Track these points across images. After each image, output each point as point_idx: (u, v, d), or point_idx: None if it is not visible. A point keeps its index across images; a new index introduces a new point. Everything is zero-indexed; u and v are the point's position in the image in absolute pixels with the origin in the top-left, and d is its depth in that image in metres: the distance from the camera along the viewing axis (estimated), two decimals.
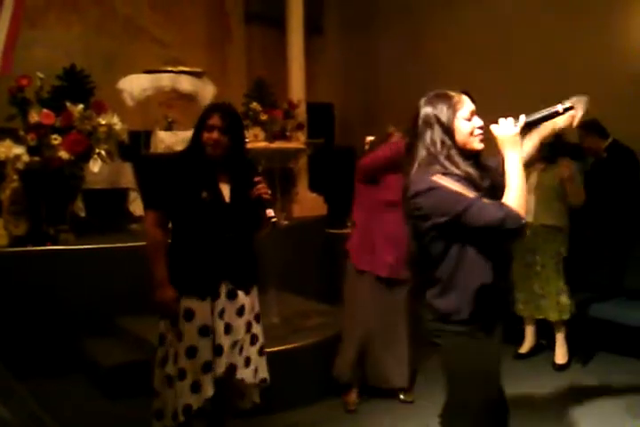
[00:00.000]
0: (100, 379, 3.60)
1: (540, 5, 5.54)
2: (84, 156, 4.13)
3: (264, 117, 5.31)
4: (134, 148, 4.83)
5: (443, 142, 1.91)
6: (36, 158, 3.97)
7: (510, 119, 1.91)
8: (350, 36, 7.57)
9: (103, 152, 4.17)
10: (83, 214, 4.30)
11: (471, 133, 1.93)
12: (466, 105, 1.95)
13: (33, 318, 3.78)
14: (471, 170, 1.90)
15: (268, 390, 2.71)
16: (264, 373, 2.63)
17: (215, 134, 2.40)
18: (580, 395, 3.49)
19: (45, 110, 4.07)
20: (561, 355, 3.91)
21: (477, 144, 1.95)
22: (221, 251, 2.44)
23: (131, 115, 4.78)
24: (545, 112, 1.97)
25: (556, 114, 1.96)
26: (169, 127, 4.94)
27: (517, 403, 3.36)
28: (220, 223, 2.43)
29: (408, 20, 6.87)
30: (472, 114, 1.95)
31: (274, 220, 2.42)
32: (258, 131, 5.29)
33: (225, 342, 2.44)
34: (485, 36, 5.97)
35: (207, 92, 5.16)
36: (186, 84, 5.01)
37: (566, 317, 3.85)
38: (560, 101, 1.98)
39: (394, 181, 3.29)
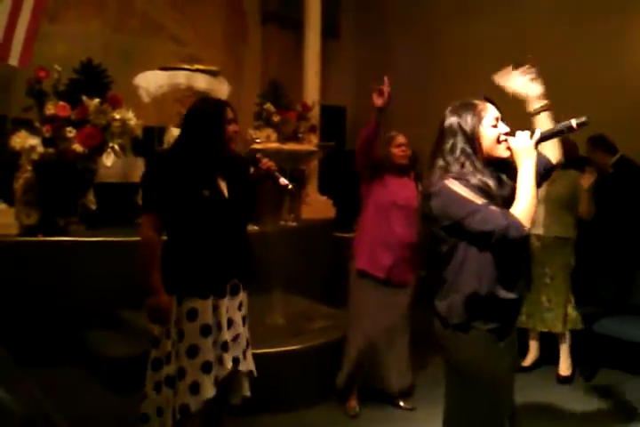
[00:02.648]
0: (101, 371, 3.61)
1: (556, 11, 5.54)
2: (98, 149, 4.16)
3: (277, 119, 5.32)
4: (148, 143, 4.85)
5: (463, 150, 1.94)
6: (51, 150, 4.00)
7: (527, 132, 1.94)
8: (366, 40, 7.60)
9: (117, 146, 4.21)
10: (94, 207, 4.32)
11: (497, 140, 1.96)
12: (490, 112, 1.98)
13: (38, 307, 3.80)
14: (488, 179, 1.92)
15: (269, 388, 2.71)
16: (252, 365, 2.63)
17: (237, 127, 2.42)
18: (583, 409, 3.47)
19: (61, 103, 4.10)
20: (565, 367, 3.90)
21: (503, 152, 1.97)
22: (226, 248, 2.44)
23: (146, 111, 4.80)
24: (560, 127, 1.99)
25: (571, 129, 1.97)
26: (181, 124, 4.94)
27: (519, 415, 3.38)
28: (222, 221, 2.42)
29: (423, 26, 6.89)
30: (497, 120, 1.98)
31: (290, 187, 2.45)
32: (270, 132, 5.29)
33: (228, 336, 2.45)
34: (500, 41, 5.97)
35: (222, 90, 5.16)
36: (201, 82, 5.02)
37: (572, 327, 3.84)
38: (575, 117, 1.99)
39: (397, 183, 3.32)
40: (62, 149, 4.02)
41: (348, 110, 7.41)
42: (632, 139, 4.40)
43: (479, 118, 1.95)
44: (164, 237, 2.45)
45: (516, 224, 1.82)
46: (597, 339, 3.95)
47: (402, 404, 3.44)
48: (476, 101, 2.00)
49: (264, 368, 2.67)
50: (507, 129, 1.98)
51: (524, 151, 1.91)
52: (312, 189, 5.82)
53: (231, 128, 2.40)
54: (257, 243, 2.70)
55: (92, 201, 4.31)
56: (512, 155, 1.96)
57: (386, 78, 2.94)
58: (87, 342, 3.85)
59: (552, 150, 2.13)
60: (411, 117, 6.92)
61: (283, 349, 3.37)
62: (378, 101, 2.95)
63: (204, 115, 2.40)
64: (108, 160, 4.14)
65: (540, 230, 3.85)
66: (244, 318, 2.58)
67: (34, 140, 3.95)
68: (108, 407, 3.28)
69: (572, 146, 3.93)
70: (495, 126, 1.96)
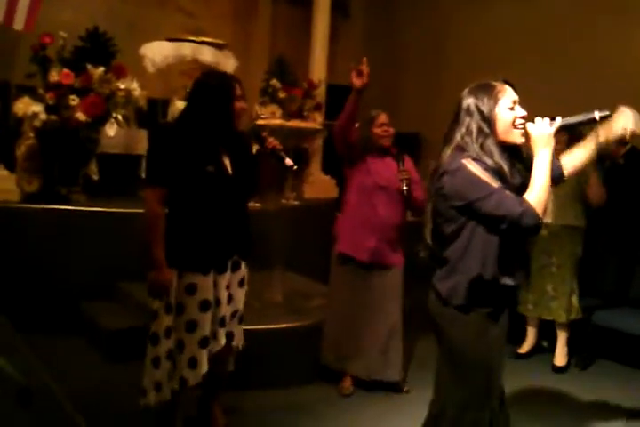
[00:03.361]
0: (99, 342, 3.62)
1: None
2: (101, 119, 4.11)
3: (283, 95, 5.26)
4: (151, 115, 4.81)
5: (480, 130, 1.91)
6: (54, 117, 3.95)
7: (546, 119, 1.90)
8: (376, 21, 7.50)
9: (120, 117, 4.16)
10: (96, 177, 4.29)
11: (513, 123, 1.92)
12: (507, 94, 1.94)
13: (37, 276, 3.80)
14: (504, 163, 1.89)
15: (264, 365, 2.72)
16: (241, 340, 2.66)
17: (244, 103, 2.39)
18: (575, 398, 3.48)
19: (66, 70, 4.04)
20: (561, 357, 3.90)
21: (518, 138, 1.94)
22: (229, 224, 2.43)
23: (150, 82, 4.75)
24: (581, 117, 1.94)
25: (593, 121, 1.94)
26: (187, 97, 4.89)
27: (511, 401, 3.39)
28: (225, 196, 2.41)
29: (434, 8, 6.81)
30: (514, 103, 1.94)
31: (295, 168, 2.45)
32: (275, 108, 5.24)
33: (227, 312, 2.45)
34: (516, 22, 5.90)
35: (228, 64, 5.11)
36: (207, 54, 4.97)
37: (575, 317, 3.83)
38: (598, 108, 1.95)
39: (379, 164, 3.27)
40: (65, 116, 3.97)
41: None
42: None
43: (496, 100, 1.92)
44: (167, 211, 2.44)
45: (531, 212, 1.80)
46: (595, 330, 3.95)
47: (397, 386, 3.43)
48: (495, 83, 1.96)
49: (260, 345, 2.69)
50: (523, 113, 1.94)
51: (542, 138, 1.88)
52: (315, 168, 5.78)
53: (239, 105, 2.38)
54: (258, 220, 2.69)
55: (94, 171, 4.28)
56: (527, 141, 1.92)
57: (364, 59, 2.88)
58: (86, 312, 3.85)
59: (574, 163, 2.10)
60: (417, 99, 6.88)
61: (279, 326, 3.38)
62: (357, 82, 2.90)
63: (212, 90, 2.36)
64: (111, 130, 4.09)
65: (548, 218, 3.81)
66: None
67: (37, 107, 3.90)
68: (105, 378, 3.29)
69: (577, 135, 3.87)
70: (512, 109, 1.93)
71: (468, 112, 1.93)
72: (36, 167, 3.97)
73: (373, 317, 3.31)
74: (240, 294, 2.55)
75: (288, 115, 5.25)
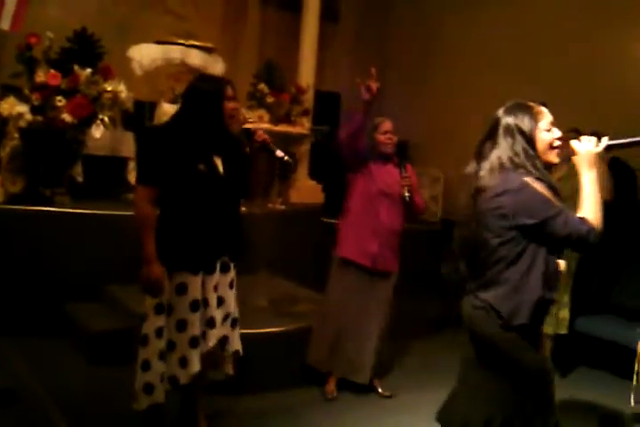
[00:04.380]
0: (84, 345, 3.58)
1: (561, 8, 5.52)
2: (87, 120, 4.09)
3: (270, 100, 5.27)
4: (138, 118, 4.79)
5: (526, 152, 1.92)
6: (39, 118, 3.93)
7: (593, 138, 1.91)
8: (365, 26, 7.55)
9: (106, 119, 4.14)
10: (81, 179, 4.26)
11: (550, 144, 1.94)
12: (546, 116, 1.96)
13: (22, 277, 3.76)
14: (553, 182, 1.92)
15: (250, 369, 2.70)
16: (239, 345, 2.64)
17: (236, 104, 2.41)
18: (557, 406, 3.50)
19: (52, 71, 4.01)
20: None
21: (554, 158, 1.96)
22: (219, 224, 2.43)
23: (138, 84, 4.74)
24: (629, 140, 1.95)
25: (638, 143, 1.94)
26: (175, 100, 4.88)
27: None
28: (216, 196, 2.42)
29: (425, 16, 6.87)
30: (551, 125, 1.96)
31: (286, 159, 2.46)
32: (263, 112, 5.25)
33: (217, 315, 2.43)
34: (507, 29, 5.97)
35: (216, 68, 5.11)
36: (195, 58, 4.98)
37: (563, 331, 3.80)
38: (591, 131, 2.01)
39: (382, 171, 3.31)
40: (51, 117, 3.94)
41: (343, 97, 7.36)
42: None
43: (536, 121, 1.94)
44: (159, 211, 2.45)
45: (594, 230, 1.83)
46: (576, 337, 3.97)
47: (380, 390, 3.44)
48: (532, 104, 1.98)
49: (244, 349, 2.67)
50: (559, 134, 1.96)
51: (588, 157, 1.90)
52: (302, 172, 5.80)
53: (230, 105, 2.39)
54: (244, 224, 2.68)
55: (79, 173, 4.25)
56: (558, 162, 1.96)
57: (372, 71, 2.91)
58: (71, 314, 3.81)
59: None
60: (404, 105, 6.92)
61: (264, 330, 3.36)
62: (366, 96, 2.95)
63: (203, 91, 2.40)
64: (97, 132, 4.07)
65: None
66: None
67: (22, 108, 3.87)
68: (90, 380, 3.25)
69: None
70: (549, 131, 1.95)
71: (509, 132, 1.94)
72: (21, 168, 3.94)
73: (366, 320, 3.33)
74: (231, 297, 2.54)
75: (276, 119, 5.26)
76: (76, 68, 4.09)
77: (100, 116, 4.13)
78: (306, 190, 5.72)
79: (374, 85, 2.92)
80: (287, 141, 5.24)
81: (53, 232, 3.86)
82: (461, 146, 6.03)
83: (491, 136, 1.98)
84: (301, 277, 4.39)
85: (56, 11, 5.38)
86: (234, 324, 2.56)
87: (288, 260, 4.29)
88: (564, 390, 3.72)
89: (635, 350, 3.44)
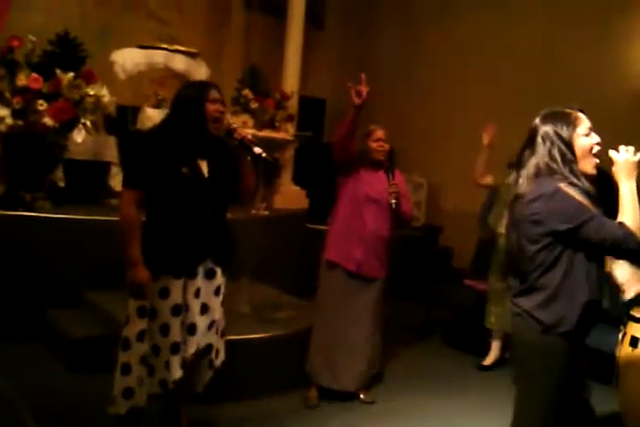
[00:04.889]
0: (63, 351, 3.54)
1: (539, 14, 5.57)
2: (69, 125, 4.05)
3: (255, 105, 5.26)
4: (121, 122, 4.77)
5: (563, 157, 1.93)
6: (20, 122, 3.88)
7: (631, 148, 1.92)
8: (350, 34, 7.57)
9: (89, 123, 4.11)
10: (62, 184, 4.22)
11: (590, 150, 1.95)
12: (584, 122, 1.97)
13: (0, 282, 3.70)
14: (590, 187, 1.91)
15: (232, 377, 2.68)
16: (223, 356, 2.62)
17: (221, 107, 2.40)
18: None
19: (34, 75, 3.97)
20: None
21: (591, 168, 1.96)
22: (202, 228, 2.42)
23: (121, 89, 4.71)
24: None
25: None
26: (158, 105, 4.87)
27: (473, 413, 3.42)
28: (200, 199, 2.41)
29: (408, 24, 6.91)
30: (590, 130, 1.96)
31: (264, 155, 2.43)
32: (247, 118, 5.24)
33: (200, 321, 2.41)
34: (489, 36, 6.01)
35: (200, 73, 5.10)
36: (179, 62, 4.97)
37: None
38: None
39: (371, 177, 3.33)
40: (32, 121, 3.90)
41: (328, 103, 7.38)
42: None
43: (574, 127, 1.94)
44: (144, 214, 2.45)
45: (632, 236, 1.82)
46: None
47: (362, 396, 3.44)
48: (569, 110, 1.99)
49: (226, 356, 2.65)
50: (598, 139, 1.96)
51: (626, 166, 1.91)
52: (286, 178, 5.79)
53: (213, 108, 2.38)
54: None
55: (60, 177, 4.21)
56: (597, 173, 1.96)
57: (363, 76, 2.95)
58: (50, 320, 3.77)
59: None
60: (389, 111, 6.94)
61: (246, 337, 3.34)
62: (356, 100, 2.97)
63: (185, 96, 2.42)
64: (79, 136, 4.03)
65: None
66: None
67: (3, 111, 3.82)
68: (69, 387, 3.22)
69: None
70: (587, 136, 1.95)
71: (548, 139, 1.95)
72: (1, 172, 3.89)
73: (350, 328, 3.32)
74: (216, 304, 2.51)
75: (260, 125, 5.25)
76: (58, 71, 4.05)
77: (83, 121, 4.10)
78: (290, 196, 5.72)
79: (364, 90, 2.94)
80: (271, 147, 5.22)
81: (34, 237, 3.81)
82: (444, 152, 6.16)
83: (529, 145, 2.00)
84: (285, 283, 4.38)
85: (38, 14, 5.33)
86: (218, 332, 2.53)
87: (271, 266, 4.27)
88: None
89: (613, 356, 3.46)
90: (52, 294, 3.83)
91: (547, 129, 1.96)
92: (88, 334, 3.53)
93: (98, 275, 3.74)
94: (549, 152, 1.93)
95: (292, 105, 5.67)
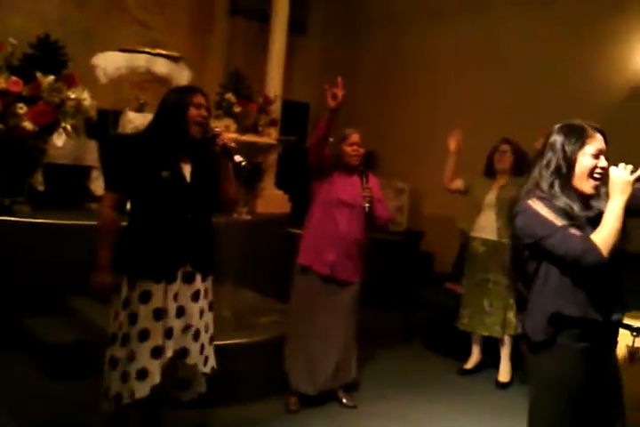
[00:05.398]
0: (42, 357, 3.50)
1: (523, 20, 5.63)
2: (49, 128, 4.02)
3: (237, 109, 5.26)
4: (102, 126, 4.74)
5: (557, 168, 1.95)
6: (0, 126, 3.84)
7: (629, 167, 1.92)
8: (333, 39, 7.59)
9: (69, 127, 4.08)
10: (41, 188, 4.18)
11: (590, 172, 1.94)
12: (596, 142, 1.96)
13: None
14: (573, 202, 1.92)
15: (213, 382, 2.66)
16: (213, 361, 2.60)
17: (205, 112, 2.40)
18: (518, 415, 3.53)
19: (14, 78, 3.94)
20: (504, 373, 3.96)
21: (588, 188, 1.96)
22: (182, 232, 2.41)
23: (102, 93, 4.69)
24: None
25: None
26: (140, 109, 4.86)
27: (455, 417, 3.43)
28: (180, 203, 2.40)
29: (390, 29, 6.94)
30: (599, 152, 1.96)
31: (243, 164, 2.42)
32: (230, 122, 5.23)
33: (176, 325, 2.40)
34: (473, 41, 6.05)
35: (182, 77, 5.10)
36: (161, 66, 4.96)
37: (513, 332, 3.90)
38: None
39: (344, 181, 3.34)
40: (11, 125, 3.87)
41: (311, 107, 7.39)
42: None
43: (582, 144, 1.95)
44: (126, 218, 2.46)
45: (593, 250, 1.82)
46: None
47: (344, 401, 3.44)
48: (587, 127, 1.98)
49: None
50: (604, 164, 1.95)
51: (620, 183, 1.89)
52: (269, 182, 5.79)
53: (196, 112, 2.39)
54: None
55: (39, 182, 4.17)
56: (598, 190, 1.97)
57: (339, 79, 2.98)
58: (28, 326, 3.72)
59: None
60: (372, 117, 6.97)
61: (228, 342, 3.31)
62: (332, 103, 2.99)
63: (170, 98, 2.44)
64: (60, 140, 4.00)
65: (488, 235, 3.91)
66: (201, 311, 2.51)
67: None
68: (48, 394, 3.18)
69: (523, 155, 3.99)
70: (595, 158, 1.95)
71: (553, 149, 1.97)
72: None
73: (325, 332, 3.32)
74: (193, 309, 2.47)
75: (243, 129, 5.25)
76: (38, 74, 4.03)
77: (63, 124, 4.07)
78: (272, 200, 5.71)
79: (340, 93, 2.97)
80: (254, 151, 5.22)
81: (12, 242, 3.76)
82: (427, 158, 6.18)
83: (540, 152, 2.03)
84: (267, 288, 4.37)
85: (19, 17, 5.29)
86: (197, 337, 2.51)
87: (253, 270, 4.25)
88: (525, 398, 3.77)
89: None
90: (31, 299, 3.79)
91: (556, 138, 1.98)
92: (67, 340, 3.50)
93: (77, 280, 3.69)
94: (548, 160, 1.97)
95: (276, 109, 5.68)
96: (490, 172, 4.03)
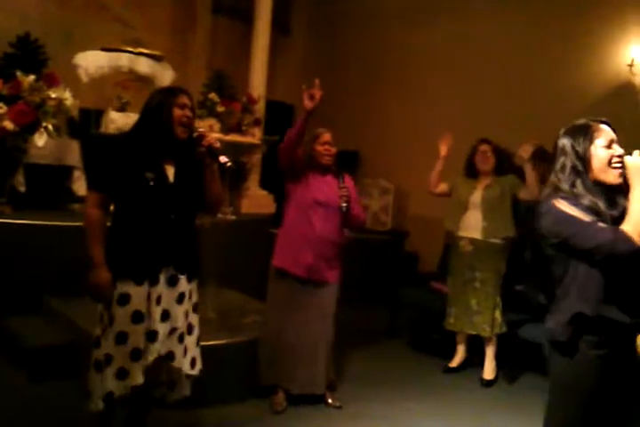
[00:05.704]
0: (24, 360, 3.45)
1: (501, 23, 5.67)
2: (30, 128, 3.99)
3: (221, 109, 5.24)
4: (84, 126, 4.70)
5: (573, 168, 1.95)
6: None
7: None
8: (316, 38, 7.60)
9: (50, 126, 4.05)
10: (23, 189, 4.14)
11: (609, 162, 1.94)
12: (605, 134, 1.97)
13: None
14: (598, 199, 1.91)
15: (197, 383, 2.65)
16: (200, 364, 2.58)
17: (189, 112, 2.38)
18: (502, 412, 3.56)
19: None
20: (489, 371, 3.99)
21: (614, 178, 1.94)
22: (165, 234, 2.38)
23: (84, 92, 4.65)
24: None
25: None
26: (122, 108, 4.82)
27: (439, 415, 3.44)
28: (163, 204, 2.38)
29: (375, 28, 6.95)
30: (611, 142, 1.96)
31: (229, 164, 2.41)
32: (213, 122, 5.21)
33: (161, 328, 2.37)
34: (455, 41, 6.09)
35: (165, 76, 5.08)
36: (144, 66, 4.93)
37: (499, 331, 3.92)
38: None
39: (319, 181, 3.33)
40: None
41: (296, 108, 7.38)
42: None
43: (591, 139, 1.95)
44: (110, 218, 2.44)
45: (625, 238, 1.80)
46: (522, 344, 4.05)
47: (330, 401, 3.43)
48: (591, 123, 1.99)
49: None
50: (620, 151, 1.95)
51: (638, 169, 1.89)
52: (253, 182, 5.77)
53: (180, 113, 2.37)
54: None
55: (20, 182, 4.13)
56: (624, 180, 1.94)
57: (317, 81, 2.98)
58: (11, 328, 3.67)
59: None
60: (356, 117, 6.99)
61: (212, 343, 3.29)
62: (309, 104, 2.99)
63: (155, 98, 2.42)
64: (41, 140, 3.96)
65: (474, 234, 3.93)
66: (186, 313, 2.49)
67: None
68: (31, 396, 3.14)
69: (507, 155, 4.02)
70: (608, 148, 1.95)
71: (563, 151, 1.97)
72: None
73: (306, 332, 3.30)
74: (178, 311, 2.45)
75: (226, 129, 5.22)
76: (18, 73, 3.99)
77: (44, 124, 4.03)
78: (257, 200, 5.70)
79: (317, 93, 2.96)
80: (238, 151, 5.20)
81: None
82: (411, 158, 6.20)
83: (552, 157, 2.03)
84: (251, 288, 4.35)
85: None
86: (181, 339, 2.48)
87: (237, 271, 4.24)
88: (511, 395, 3.82)
89: None
90: (13, 301, 3.75)
91: (564, 142, 1.99)
92: (50, 342, 3.46)
93: (59, 281, 3.67)
94: (562, 164, 1.97)
95: (259, 109, 5.67)
96: (471, 172, 4.04)
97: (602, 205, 1.91)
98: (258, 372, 3.35)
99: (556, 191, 1.96)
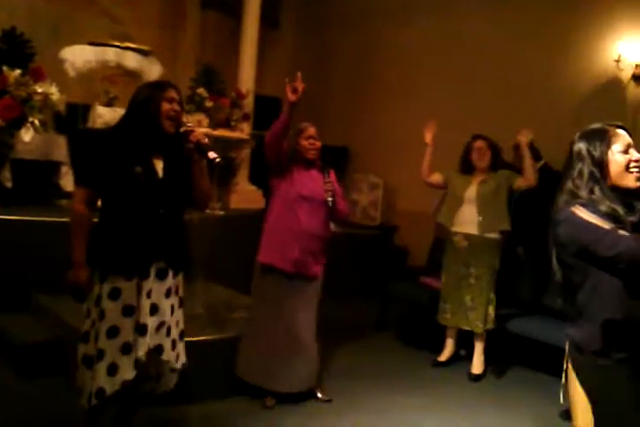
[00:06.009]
0: (13, 357, 3.44)
1: (492, 22, 5.68)
2: (16, 123, 3.96)
3: (209, 104, 5.22)
4: (71, 121, 4.67)
5: (591, 174, 1.91)
6: None
7: None
8: (305, 34, 7.58)
9: (37, 121, 4.03)
10: (9, 184, 4.10)
11: (627, 167, 1.92)
12: (621, 139, 1.95)
13: None
14: (617, 205, 1.88)
15: (185, 378, 2.65)
16: (183, 358, 2.58)
17: (177, 106, 2.38)
18: (490, 406, 3.59)
19: None
20: (478, 365, 4.01)
21: (632, 182, 1.92)
22: (154, 228, 2.38)
23: (71, 87, 4.63)
24: None
25: None
26: (109, 103, 4.79)
27: (428, 409, 3.46)
28: (152, 199, 2.37)
29: (364, 20, 6.93)
30: (628, 147, 1.94)
31: (217, 160, 2.39)
32: (202, 117, 5.19)
33: (150, 322, 2.37)
34: (443, 38, 6.08)
35: (153, 71, 5.05)
36: (131, 60, 4.89)
37: (490, 327, 3.94)
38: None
39: (303, 175, 3.33)
40: None
41: (284, 102, 7.38)
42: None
43: (608, 144, 1.92)
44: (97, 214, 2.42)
45: None
46: (511, 338, 4.08)
47: (320, 395, 3.44)
48: (607, 127, 1.97)
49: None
50: (638, 156, 1.93)
51: None
52: (242, 178, 5.76)
53: (168, 106, 2.36)
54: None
55: (7, 178, 4.09)
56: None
57: (299, 74, 3.00)
58: None
59: None
60: (345, 112, 6.98)
61: (200, 338, 3.30)
62: (292, 97, 2.99)
63: (142, 92, 2.40)
64: (27, 135, 3.94)
65: (469, 229, 3.94)
66: (172, 307, 2.49)
67: None
68: (20, 393, 3.13)
69: (498, 151, 4.03)
70: (625, 153, 1.93)
71: (580, 157, 1.94)
72: None
73: (295, 329, 3.30)
74: (166, 305, 2.45)
75: (215, 124, 5.21)
76: (4, 68, 3.96)
77: (30, 119, 4.01)
78: (246, 196, 5.68)
79: (300, 86, 2.97)
80: (227, 146, 5.19)
81: None
82: (400, 153, 6.20)
83: (567, 164, 1.99)
84: (239, 283, 4.35)
85: None
86: (169, 333, 2.48)
87: (226, 266, 4.23)
88: (499, 390, 3.85)
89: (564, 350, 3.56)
90: (1, 298, 3.72)
91: (580, 146, 1.96)
92: (38, 338, 3.44)
93: (47, 278, 3.63)
94: (579, 170, 1.94)
95: (248, 104, 5.65)
96: (467, 169, 4.04)
97: (621, 210, 1.89)
98: (239, 369, 3.34)
99: (574, 198, 1.92)
